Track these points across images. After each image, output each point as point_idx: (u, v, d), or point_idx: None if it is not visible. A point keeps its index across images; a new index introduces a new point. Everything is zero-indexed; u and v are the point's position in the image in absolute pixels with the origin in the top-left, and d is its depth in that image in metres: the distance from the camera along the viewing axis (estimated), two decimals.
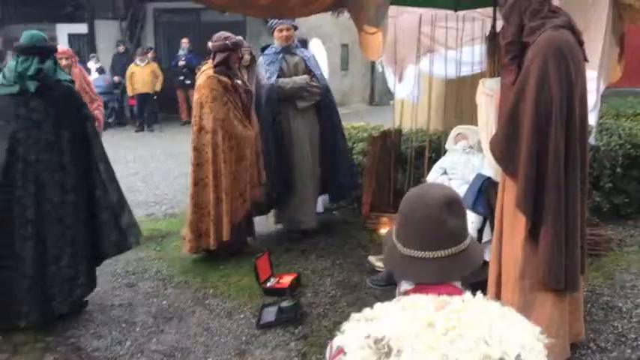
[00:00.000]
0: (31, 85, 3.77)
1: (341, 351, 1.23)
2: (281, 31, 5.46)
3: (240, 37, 5.43)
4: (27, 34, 3.96)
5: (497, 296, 3.27)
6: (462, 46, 5.50)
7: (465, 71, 5.67)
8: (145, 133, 13.58)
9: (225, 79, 4.94)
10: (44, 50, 3.91)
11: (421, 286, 1.40)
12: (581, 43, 3.16)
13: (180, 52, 14.67)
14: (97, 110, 5.94)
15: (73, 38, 16.75)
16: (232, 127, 4.87)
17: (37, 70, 3.79)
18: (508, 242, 3.29)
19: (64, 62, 5.51)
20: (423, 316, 1.19)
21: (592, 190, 5.26)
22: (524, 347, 1.14)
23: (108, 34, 15.86)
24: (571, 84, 3.06)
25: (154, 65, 13.65)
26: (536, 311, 3.16)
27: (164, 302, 4.30)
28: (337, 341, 1.25)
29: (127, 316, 4.10)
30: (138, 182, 8.26)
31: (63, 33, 16.95)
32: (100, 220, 4.01)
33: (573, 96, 3.08)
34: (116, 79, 14.51)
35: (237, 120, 4.93)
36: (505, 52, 3.26)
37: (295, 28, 5.58)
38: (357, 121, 8.15)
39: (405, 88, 5.92)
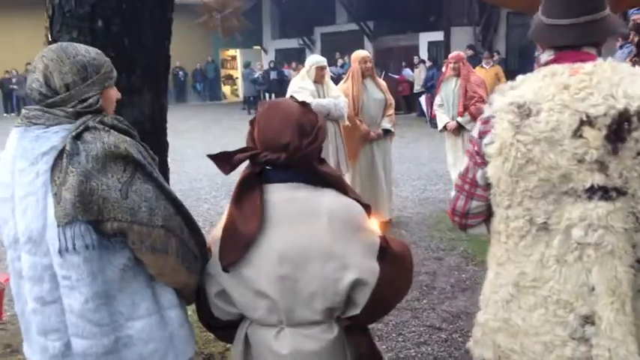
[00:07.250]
0: None
1: (489, 119, 1.55)
2: None
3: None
4: None
5: None
6: None
7: None
8: None
9: None
10: None
11: (560, 55, 1.57)
12: None
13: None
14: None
15: (431, 45, 18.36)
16: None
17: None
18: None
19: (451, 64, 6.73)
20: (559, 81, 1.45)
21: None
22: None
23: (461, 39, 16.89)
24: None
25: (498, 68, 13.76)
26: None
27: (463, 275, 4.86)
28: (486, 111, 1.58)
29: (429, 281, 4.78)
30: None
31: (424, 41, 18.71)
32: None
33: None
34: None
35: None
36: None
37: None
38: None
39: None
